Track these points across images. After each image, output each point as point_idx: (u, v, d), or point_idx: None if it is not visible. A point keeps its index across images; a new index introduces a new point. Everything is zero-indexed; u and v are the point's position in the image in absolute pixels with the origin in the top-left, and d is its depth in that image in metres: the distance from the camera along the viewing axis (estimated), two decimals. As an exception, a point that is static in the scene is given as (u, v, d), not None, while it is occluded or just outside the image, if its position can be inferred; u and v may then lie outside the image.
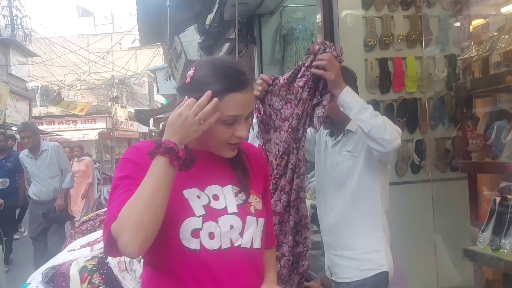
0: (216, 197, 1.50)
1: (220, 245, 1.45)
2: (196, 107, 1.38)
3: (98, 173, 10.35)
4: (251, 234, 1.50)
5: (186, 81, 1.47)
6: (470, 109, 3.16)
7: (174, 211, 1.43)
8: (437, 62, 4.13)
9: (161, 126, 2.97)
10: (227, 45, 7.00)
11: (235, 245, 1.48)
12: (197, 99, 1.40)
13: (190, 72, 1.47)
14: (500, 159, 2.75)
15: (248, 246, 1.50)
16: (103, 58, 23.75)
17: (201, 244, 1.44)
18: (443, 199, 3.85)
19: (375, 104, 4.19)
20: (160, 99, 24.74)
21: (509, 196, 2.85)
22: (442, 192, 3.97)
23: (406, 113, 4.37)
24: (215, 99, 1.40)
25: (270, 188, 1.93)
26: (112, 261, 2.51)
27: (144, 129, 24.63)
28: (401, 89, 4.38)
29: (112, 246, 1.36)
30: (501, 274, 3.30)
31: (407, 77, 4.35)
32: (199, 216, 1.44)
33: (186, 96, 1.43)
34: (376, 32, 4.15)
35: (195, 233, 1.43)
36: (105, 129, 24.31)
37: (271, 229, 1.75)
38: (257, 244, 1.52)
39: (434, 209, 3.64)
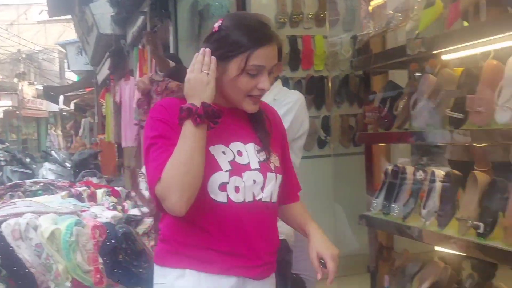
0: (240, 153, 1.56)
1: (244, 199, 1.53)
2: (196, 64, 1.48)
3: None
4: (271, 189, 1.58)
5: (214, 30, 1.53)
6: (368, 85, 3.36)
7: None
8: (343, 42, 4.33)
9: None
10: (141, 18, 6.81)
11: (257, 198, 1.55)
12: (221, 50, 1.50)
13: (218, 23, 1.53)
14: (392, 130, 2.98)
15: (268, 200, 1.58)
16: (7, 30, 22.21)
17: (228, 197, 1.51)
18: (344, 172, 4.07)
19: (285, 81, 4.34)
20: (71, 76, 23.61)
21: (400, 165, 3.09)
22: (344, 165, 4.20)
23: (314, 91, 4.56)
24: (208, 50, 1.49)
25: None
26: (5, 229, 2.42)
27: (55, 107, 23.45)
28: (310, 67, 4.56)
29: (159, 206, 1.48)
30: (392, 239, 3.58)
31: (315, 56, 4.53)
32: (226, 171, 1.51)
33: (207, 48, 1.50)
34: (286, 10, 4.27)
35: (223, 186, 1.51)
36: (11, 107, 22.88)
37: (296, 181, 1.82)
38: (274, 198, 1.61)
39: (334, 180, 3.84)
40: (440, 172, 2.75)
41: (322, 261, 1.58)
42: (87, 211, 2.82)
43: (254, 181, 1.54)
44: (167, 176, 1.41)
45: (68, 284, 2.33)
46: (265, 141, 1.61)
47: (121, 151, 9.04)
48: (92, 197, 3.47)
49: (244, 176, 1.53)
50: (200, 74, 1.46)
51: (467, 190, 2.50)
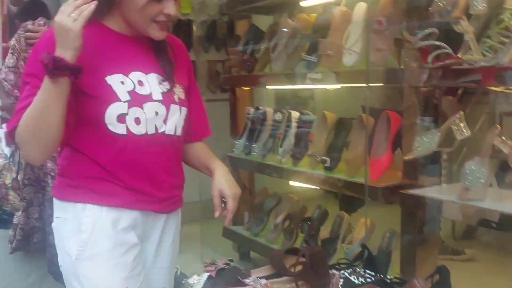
0: (141, 83, 1.46)
1: (146, 131, 1.45)
2: (68, 5, 1.30)
3: None
4: (175, 122, 1.51)
5: None
6: (233, 30, 3.44)
7: (98, 97, 1.41)
8: (211, -14, 4.31)
9: None
10: None
11: (160, 131, 1.48)
12: None
13: None
14: (253, 73, 3.11)
15: (172, 133, 1.51)
16: None
17: (127, 129, 1.42)
18: (211, 117, 4.15)
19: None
20: None
21: (261, 108, 3.25)
22: (211, 110, 4.27)
23: (180, 35, 4.52)
24: None
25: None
26: None
27: None
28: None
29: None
30: (253, 180, 3.79)
31: (182, -1, 4.46)
32: (124, 102, 1.42)
33: None
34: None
35: (121, 118, 1.42)
36: None
37: (204, 120, 1.73)
38: (179, 132, 1.54)
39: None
40: (295, 114, 2.95)
41: (224, 199, 1.53)
42: None
43: (156, 113, 1.47)
44: (20, 129, 1.33)
45: None
46: (168, 71, 1.54)
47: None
48: None
49: (145, 107, 1.45)
50: (66, 18, 1.28)
51: (317, 128, 2.72)
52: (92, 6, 1.30)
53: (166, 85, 1.51)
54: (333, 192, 4.31)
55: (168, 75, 1.53)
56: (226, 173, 1.59)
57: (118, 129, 1.42)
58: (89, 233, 1.43)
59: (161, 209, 1.54)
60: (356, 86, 2.45)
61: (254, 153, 3.16)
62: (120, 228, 1.46)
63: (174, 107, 1.51)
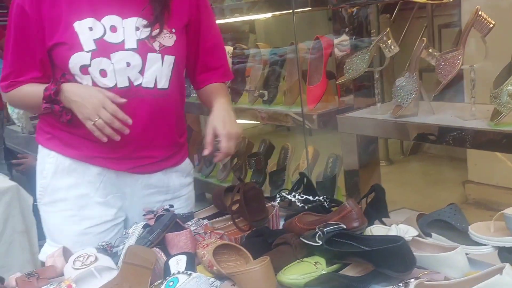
0: (113, 29, 1.32)
1: (116, 83, 1.34)
2: (110, 111, 1.28)
3: None
4: (155, 73, 1.36)
5: None
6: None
7: (65, 44, 1.32)
8: None
9: None
10: None
11: (135, 84, 1.35)
12: None
13: None
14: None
15: (151, 85, 1.37)
16: None
17: (93, 82, 1.33)
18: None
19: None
20: None
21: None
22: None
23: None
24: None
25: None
26: None
27: None
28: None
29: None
30: (199, 122, 3.73)
31: None
32: (87, 52, 1.31)
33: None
34: None
35: (84, 69, 1.32)
36: None
37: (225, 65, 1.59)
38: (162, 84, 1.38)
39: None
40: (230, 49, 2.87)
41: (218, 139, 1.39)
42: None
43: (128, 64, 1.33)
44: (13, 101, 1.54)
45: None
46: (158, 12, 1.36)
47: None
48: None
49: (113, 57, 1.32)
50: (93, 110, 1.29)
51: (253, 62, 2.66)
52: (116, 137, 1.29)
53: (146, 31, 1.35)
54: (280, 126, 4.33)
55: (155, 18, 1.36)
56: (225, 110, 1.42)
57: (84, 80, 1.34)
58: (49, 179, 1.43)
59: (128, 169, 1.43)
60: (285, 14, 2.38)
61: (194, 95, 3.08)
62: (82, 181, 1.42)
63: (153, 56, 1.36)
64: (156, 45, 1.37)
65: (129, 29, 1.34)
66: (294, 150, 2.67)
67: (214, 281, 1.10)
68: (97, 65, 1.32)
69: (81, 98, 1.29)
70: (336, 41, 2.10)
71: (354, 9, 2.06)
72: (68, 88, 1.32)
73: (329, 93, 2.25)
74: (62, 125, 1.39)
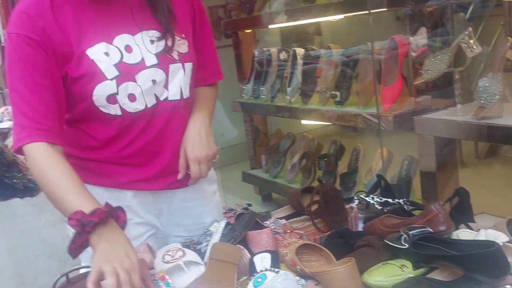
0: (129, 49, 1.23)
1: (146, 105, 1.25)
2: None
3: None
4: (179, 83, 1.30)
5: None
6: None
7: (84, 76, 1.19)
8: None
9: None
10: None
11: (161, 99, 1.28)
12: None
13: None
14: (253, 14, 3.02)
15: (178, 97, 1.30)
16: None
17: (122, 109, 1.23)
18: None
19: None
20: None
21: (264, 48, 3.17)
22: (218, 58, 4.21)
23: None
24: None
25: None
26: None
27: None
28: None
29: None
30: (266, 123, 3.76)
31: None
32: (111, 79, 1.20)
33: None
34: None
35: (111, 98, 1.21)
36: None
37: (214, 63, 1.48)
38: (186, 93, 1.32)
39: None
40: (300, 51, 2.88)
41: None
42: None
43: (154, 81, 1.25)
44: (32, 166, 1.18)
45: None
46: (166, 23, 1.27)
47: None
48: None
49: (138, 78, 1.23)
50: (123, 270, 1.02)
51: (324, 63, 2.66)
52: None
53: (161, 44, 1.26)
54: (349, 126, 4.29)
55: (166, 29, 1.27)
56: (196, 131, 1.35)
57: (112, 110, 1.23)
58: None
59: (164, 187, 1.37)
60: (359, 15, 2.36)
61: (263, 96, 3.12)
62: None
63: (175, 67, 1.28)
64: (175, 55, 1.29)
65: (143, 45, 1.25)
66: (366, 152, 2.64)
67: (300, 280, 1.11)
68: (124, 91, 1.22)
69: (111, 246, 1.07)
70: (412, 40, 2.07)
71: (430, 8, 2.02)
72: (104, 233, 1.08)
73: (404, 93, 2.21)
74: (89, 153, 1.31)
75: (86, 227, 1.04)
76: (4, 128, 2.68)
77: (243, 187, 3.72)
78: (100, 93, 1.20)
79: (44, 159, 1.15)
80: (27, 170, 2.41)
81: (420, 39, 2.05)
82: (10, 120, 3.09)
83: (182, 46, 1.31)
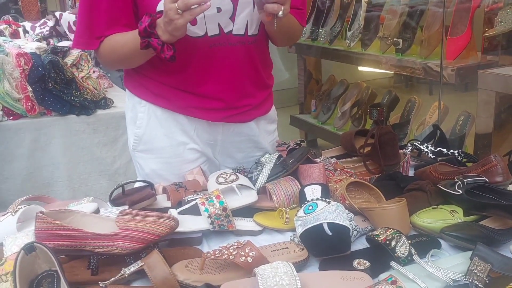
0: None
1: (206, 31, 1.24)
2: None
3: None
4: (245, 18, 1.26)
5: None
6: None
7: None
8: None
9: None
10: None
11: (225, 31, 1.25)
12: None
13: None
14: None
15: (242, 32, 1.27)
16: None
17: None
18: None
19: None
20: None
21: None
22: None
23: None
24: None
25: None
26: None
27: None
28: None
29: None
30: (320, 68, 3.71)
31: None
32: None
33: None
34: None
35: None
36: None
37: (303, 5, 1.41)
38: (253, 30, 1.29)
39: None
40: (366, -5, 2.79)
41: None
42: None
43: (219, 9, 1.22)
44: (103, 53, 1.28)
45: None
46: None
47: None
48: (15, 35, 3.32)
49: None
50: (173, 11, 1.08)
51: (389, 10, 2.57)
52: (205, 6, 1.07)
53: None
54: (405, 79, 4.18)
55: None
56: None
57: None
58: (143, 129, 1.40)
59: (221, 119, 1.38)
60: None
61: (321, 39, 3.06)
62: (176, 130, 1.38)
63: (245, 1, 1.24)
64: None
65: None
66: (421, 104, 2.58)
67: (349, 213, 1.13)
68: None
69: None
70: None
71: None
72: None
73: (471, 47, 2.13)
74: (152, 73, 1.34)
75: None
76: (64, 47, 2.75)
77: (289, 131, 3.72)
78: (161, 8, 1.18)
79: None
80: (84, 89, 2.50)
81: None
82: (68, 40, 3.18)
83: None
